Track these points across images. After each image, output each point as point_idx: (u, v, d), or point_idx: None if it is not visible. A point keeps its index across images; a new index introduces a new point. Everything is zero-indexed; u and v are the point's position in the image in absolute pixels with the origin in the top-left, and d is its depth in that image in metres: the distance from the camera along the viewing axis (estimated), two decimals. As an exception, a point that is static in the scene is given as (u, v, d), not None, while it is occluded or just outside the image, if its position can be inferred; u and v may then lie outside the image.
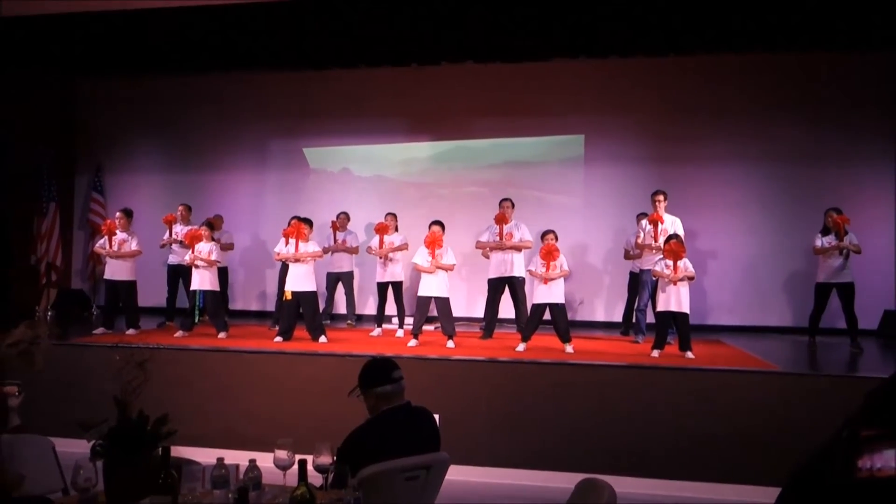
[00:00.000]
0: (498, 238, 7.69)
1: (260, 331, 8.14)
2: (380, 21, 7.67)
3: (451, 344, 6.98)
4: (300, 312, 7.34)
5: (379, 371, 3.15)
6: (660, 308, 6.71)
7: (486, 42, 8.25)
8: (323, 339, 7.18)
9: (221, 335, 7.45)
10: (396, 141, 10.12)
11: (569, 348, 6.72)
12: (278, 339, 7.18)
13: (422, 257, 7.23)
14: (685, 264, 6.59)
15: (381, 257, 8.05)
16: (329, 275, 8.97)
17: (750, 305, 9.05)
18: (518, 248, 7.66)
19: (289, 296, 7.32)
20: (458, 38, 8.13)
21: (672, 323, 6.69)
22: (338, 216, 9.02)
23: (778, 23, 7.40)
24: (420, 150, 10.12)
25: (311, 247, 7.42)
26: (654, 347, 6.61)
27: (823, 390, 5.28)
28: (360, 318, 9.27)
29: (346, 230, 9.00)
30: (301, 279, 7.28)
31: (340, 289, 9.04)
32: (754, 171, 9.10)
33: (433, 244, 7.16)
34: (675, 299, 6.54)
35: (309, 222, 7.72)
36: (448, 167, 10.02)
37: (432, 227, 7.36)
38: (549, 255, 6.87)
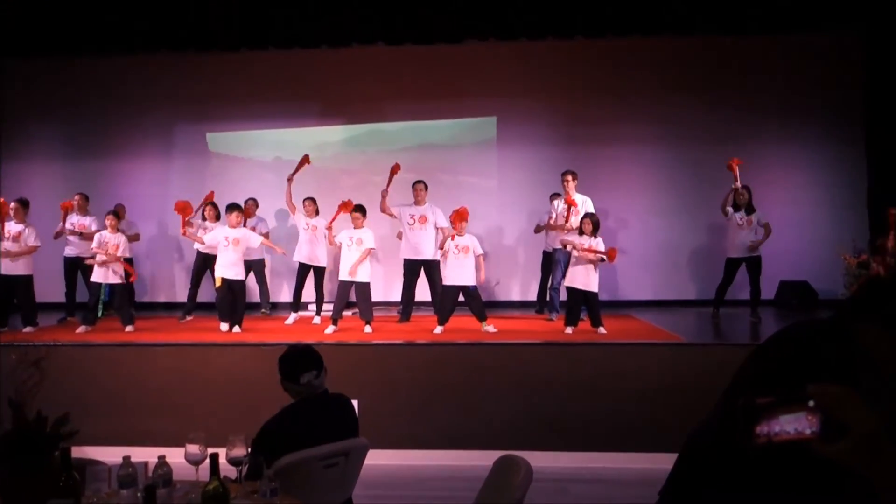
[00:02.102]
0: (411, 220, 7.66)
1: (169, 323, 7.87)
2: (287, 1, 7.48)
3: (368, 329, 6.95)
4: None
5: (300, 360, 3.12)
6: (568, 284, 6.87)
7: (397, 23, 8.19)
8: (236, 328, 7.01)
9: (128, 329, 7.16)
10: (308, 125, 9.93)
11: (488, 327, 6.80)
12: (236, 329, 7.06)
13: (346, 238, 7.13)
14: (598, 242, 6.76)
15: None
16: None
17: (657, 281, 9.39)
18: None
19: (219, 282, 7.12)
20: (368, 19, 8.03)
21: (583, 301, 6.86)
22: (246, 202, 8.77)
23: (684, 6, 7.66)
24: (333, 134, 9.97)
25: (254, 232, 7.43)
26: (567, 324, 6.77)
27: (725, 359, 5.54)
28: (276, 306, 9.09)
29: (254, 217, 8.78)
30: (233, 267, 7.08)
31: (251, 277, 8.82)
32: (661, 151, 9.40)
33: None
34: (582, 279, 6.70)
35: (238, 207, 7.40)
36: (361, 151, 9.91)
37: (355, 214, 7.19)
38: (459, 217, 6.90)
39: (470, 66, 9.46)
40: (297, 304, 7.95)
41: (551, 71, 9.45)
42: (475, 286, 6.96)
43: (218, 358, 6.10)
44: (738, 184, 7.61)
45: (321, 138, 9.94)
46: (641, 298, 9.21)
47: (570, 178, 7.70)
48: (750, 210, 7.67)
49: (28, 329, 7.33)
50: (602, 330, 6.61)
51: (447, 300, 6.97)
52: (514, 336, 6.58)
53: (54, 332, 7.30)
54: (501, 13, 7.91)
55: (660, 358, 5.82)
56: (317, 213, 8.11)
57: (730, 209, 7.78)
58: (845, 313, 1.02)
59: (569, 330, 6.70)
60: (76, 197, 8.46)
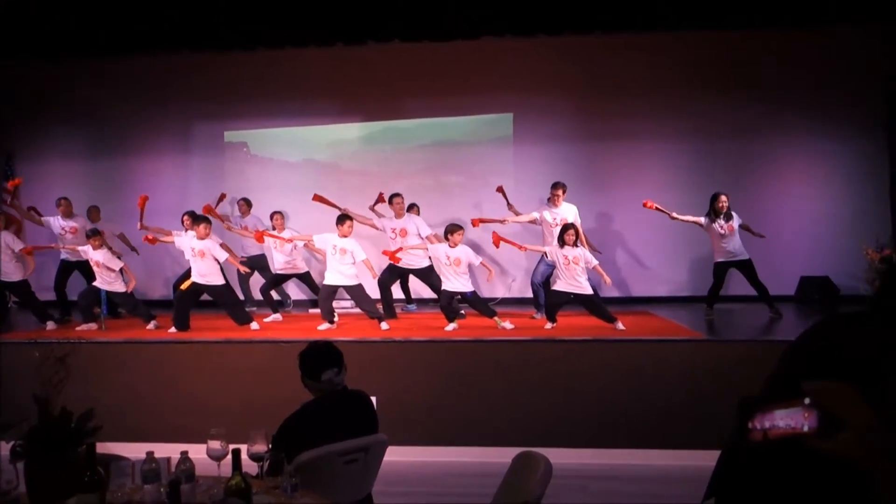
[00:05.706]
0: (392, 234, 7.75)
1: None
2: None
3: (385, 326, 6.94)
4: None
5: (321, 357, 3.13)
6: (559, 289, 6.86)
7: (413, 20, 8.17)
8: (254, 325, 7.08)
9: (150, 326, 7.23)
10: (325, 122, 9.96)
11: (504, 324, 6.78)
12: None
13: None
14: (583, 254, 6.75)
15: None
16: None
17: (677, 277, 9.31)
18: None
19: (187, 284, 7.17)
20: (383, 16, 8.03)
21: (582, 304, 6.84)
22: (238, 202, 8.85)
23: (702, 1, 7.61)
24: (349, 132, 9.99)
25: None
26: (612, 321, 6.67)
27: (745, 355, 5.49)
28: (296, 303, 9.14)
29: (250, 216, 8.85)
30: (205, 276, 7.14)
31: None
32: (681, 146, 9.30)
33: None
34: (574, 284, 6.73)
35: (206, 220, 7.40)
36: (378, 148, 9.93)
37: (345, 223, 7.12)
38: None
39: (486, 62, 9.43)
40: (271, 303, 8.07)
41: (568, 67, 9.40)
42: (472, 291, 7.00)
43: (238, 355, 6.14)
44: (673, 214, 7.45)
45: (338, 136, 9.96)
46: (660, 295, 9.15)
47: (560, 191, 7.65)
48: (728, 217, 7.46)
49: (50, 326, 7.46)
50: (620, 326, 6.57)
51: (444, 301, 7.01)
52: (531, 332, 6.57)
53: (74, 329, 7.39)
54: (518, 9, 7.87)
55: (680, 354, 5.78)
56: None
57: (704, 219, 7.52)
58: (875, 308, 1.01)
59: (548, 326, 6.81)
60: (62, 201, 8.39)
